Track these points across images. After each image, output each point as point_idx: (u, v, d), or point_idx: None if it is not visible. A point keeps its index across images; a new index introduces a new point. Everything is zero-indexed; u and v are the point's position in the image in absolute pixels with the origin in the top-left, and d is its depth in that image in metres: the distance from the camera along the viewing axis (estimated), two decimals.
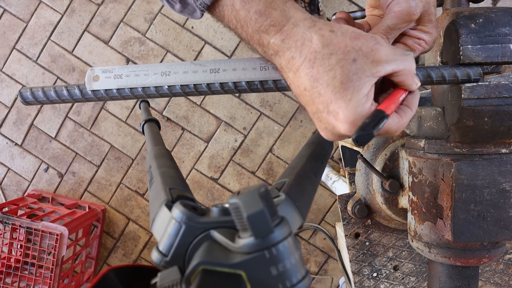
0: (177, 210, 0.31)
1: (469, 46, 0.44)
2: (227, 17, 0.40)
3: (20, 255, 1.52)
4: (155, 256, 0.31)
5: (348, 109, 0.36)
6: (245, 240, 0.27)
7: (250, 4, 0.38)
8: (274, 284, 0.26)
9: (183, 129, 1.72)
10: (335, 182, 1.27)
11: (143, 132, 0.85)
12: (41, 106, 1.77)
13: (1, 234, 1.52)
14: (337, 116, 0.37)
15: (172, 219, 0.31)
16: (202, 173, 1.73)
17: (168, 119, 1.72)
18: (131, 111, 1.73)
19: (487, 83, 0.45)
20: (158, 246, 0.32)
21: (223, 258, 0.27)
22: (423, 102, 0.67)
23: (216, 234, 0.30)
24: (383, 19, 0.44)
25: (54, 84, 1.76)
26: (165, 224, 0.32)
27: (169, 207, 0.34)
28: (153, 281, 0.29)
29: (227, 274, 0.26)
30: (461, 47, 0.45)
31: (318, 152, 0.54)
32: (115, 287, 0.34)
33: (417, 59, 0.65)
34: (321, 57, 0.36)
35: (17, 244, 1.53)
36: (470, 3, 0.63)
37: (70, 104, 1.76)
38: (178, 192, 0.39)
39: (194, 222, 0.31)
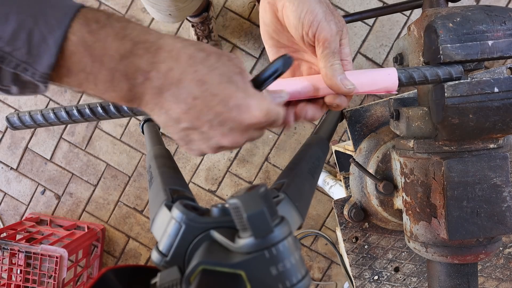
0: (177, 210, 0.32)
1: (448, 45, 0.45)
2: (77, 66, 0.33)
3: (20, 280, 1.50)
4: (155, 256, 0.31)
5: (250, 99, 0.37)
6: (245, 240, 0.27)
7: (106, 33, 0.33)
8: (274, 284, 0.26)
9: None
10: (332, 187, 1.26)
11: (142, 132, 0.85)
12: (35, 129, 1.76)
13: (0, 260, 1.50)
14: (241, 109, 0.36)
15: (172, 219, 0.32)
16: (199, 186, 1.73)
17: (162, 134, 1.72)
18: (125, 129, 1.73)
19: (469, 80, 0.46)
20: (158, 246, 0.32)
21: (223, 258, 0.28)
22: (410, 102, 0.68)
23: (216, 234, 0.30)
24: (322, 51, 0.44)
25: (46, 106, 1.77)
26: (165, 224, 0.32)
27: (169, 207, 0.34)
28: (153, 281, 0.29)
29: (227, 274, 0.27)
30: (440, 47, 0.45)
31: (315, 153, 0.54)
32: (114, 287, 0.34)
33: (402, 61, 0.66)
34: (201, 60, 0.35)
35: (17, 269, 1.51)
36: (449, 2, 0.64)
37: (63, 125, 1.76)
38: (178, 192, 0.39)
39: (194, 222, 0.31)
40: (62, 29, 0.31)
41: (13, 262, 1.51)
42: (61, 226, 1.74)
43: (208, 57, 0.36)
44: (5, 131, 1.79)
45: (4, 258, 1.50)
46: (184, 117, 0.36)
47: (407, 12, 1.59)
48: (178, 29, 1.65)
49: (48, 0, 0.32)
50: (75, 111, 0.46)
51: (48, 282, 1.47)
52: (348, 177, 0.81)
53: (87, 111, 0.46)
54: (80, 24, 0.32)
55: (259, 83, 0.39)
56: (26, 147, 1.78)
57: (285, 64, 0.39)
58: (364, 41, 1.61)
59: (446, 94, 0.46)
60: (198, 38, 1.54)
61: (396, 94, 0.74)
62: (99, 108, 0.46)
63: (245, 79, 0.38)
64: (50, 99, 1.75)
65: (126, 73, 0.34)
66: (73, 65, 0.33)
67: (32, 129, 1.78)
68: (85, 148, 1.75)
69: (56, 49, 0.32)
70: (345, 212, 0.78)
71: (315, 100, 0.46)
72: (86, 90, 0.35)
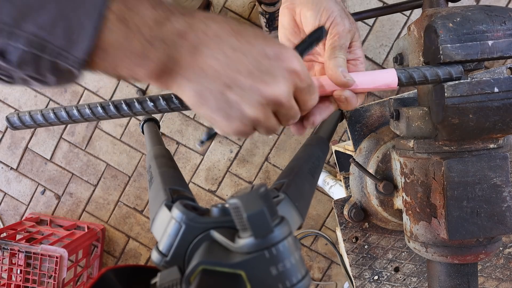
0: (177, 210, 0.32)
1: (448, 45, 0.45)
2: (115, 43, 0.33)
3: (20, 280, 1.50)
4: (155, 256, 0.31)
5: (284, 48, 0.38)
6: (245, 240, 0.27)
7: (141, 2, 0.34)
8: (274, 284, 0.26)
9: (178, 143, 1.72)
10: (332, 187, 1.27)
11: (142, 132, 0.84)
12: (35, 129, 1.77)
13: (0, 260, 1.50)
14: (278, 56, 0.37)
15: (172, 219, 0.32)
16: (199, 186, 1.73)
17: (163, 134, 1.72)
18: (125, 129, 1.73)
19: (469, 80, 0.46)
20: (158, 246, 0.32)
21: (223, 258, 0.28)
22: (410, 102, 0.68)
23: (216, 234, 0.30)
24: (330, 44, 0.46)
25: (46, 106, 1.77)
26: (165, 224, 0.32)
27: (169, 207, 0.34)
28: (153, 281, 0.29)
29: (227, 274, 0.27)
30: (440, 47, 0.45)
31: (315, 153, 0.54)
32: (114, 287, 0.34)
33: (402, 61, 0.66)
34: (235, 23, 0.37)
35: (17, 269, 1.51)
36: (449, 2, 0.64)
37: (63, 125, 1.76)
38: (178, 192, 0.39)
39: (194, 222, 0.31)
40: (99, 12, 0.32)
41: (13, 262, 1.51)
42: (61, 226, 1.74)
43: (240, 23, 0.37)
44: (5, 131, 1.79)
45: (4, 258, 1.50)
46: (223, 71, 0.36)
47: (407, 12, 1.59)
48: None
49: None
50: (75, 111, 0.46)
51: (48, 282, 1.47)
52: (348, 177, 0.81)
53: (87, 111, 0.46)
54: (117, 2, 0.33)
55: (301, 50, 0.43)
56: (26, 147, 1.78)
57: (325, 32, 0.45)
58: (364, 41, 1.61)
59: (446, 94, 0.46)
60: None
61: (396, 94, 0.74)
62: (99, 108, 0.46)
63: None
64: (50, 99, 1.75)
65: (162, 38, 0.34)
66: (110, 44, 0.33)
67: (32, 129, 1.78)
68: (85, 148, 1.75)
69: (94, 31, 0.32)
70: (345, 212, 0.78)
71: (321, 99, 0.46)
72: (121, 70, 0.35)
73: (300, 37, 0.51)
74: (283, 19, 0.50)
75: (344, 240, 0.80)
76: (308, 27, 0.47)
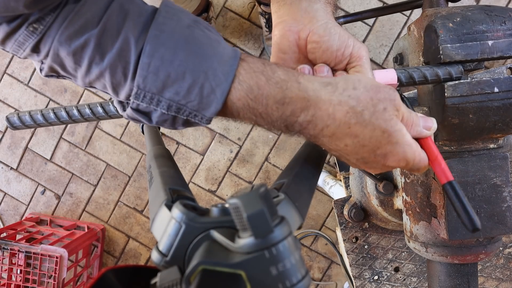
0: (177, 210, 0.32)
1: (449, 45, 0.45)
2: (242, 116, 0.39)
3: (20, 280, 1.50)
4: (155, 256, 0.31)
5: (397, 149, 0.39)
6: (245, 240, 0.27)
7: (266, 99, 0.37)
8: (274, 283, 0.26)
9: (178, 143, 1.72)
10: (332, 187, 1.26)
11: (142, 132, 0.84)
12: (35, 129, 1.77)
13: (0, 260, 1.50)
14: (386, 157, 0.39)
15: (172, 219, 0.32)
16: (199, 186, 1.73)
17: (163, 134, 1.72)
18: (125, 129, 1.73)
19: (469, 80, 0.46)
20: (158, 246, 0.32)
21: (223, 258, 0.28)
22: (410, 102, 0.68)
23: (216, 234, 0.30)
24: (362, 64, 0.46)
25: (46, 106, 1.77)
26: (165, 224, 0.32)
27: (169, 207, 0.34)
28: (152, 281, 0.29)
29: (227, 274, 0.26)
30: (440, 47, 0.45)
31: (315, 153, 0.54)
32: (114, 287, 0.34)
33: (402, 61, 0.66)
34: (355, 116, 0.38)
35: (17, 269, 1.51)
36: (449, 2, 0.64)
37: (63, 125, 1.75)
38: (178, 192, 0.39)
39: (194, 222, 0.31)
40: (229, 82, 0.37)
41: (13, 262, 1.51)
42: (61, 226, 1.74)
43: (363, 113, 0.38)
44: (5, 131, 1.79)
45: (4, 258, 1.50)
46: (334, 152, 0.42)
47: (407, 12, 1.59)
48: None
49: (215, 55, 0.37)
50: (75, 111, 0.46)
51: (48, 282, 1.47)
52: (348, 177, 0.81)
53: (87, 111, 0.46)
54: (243, 75, 0.37)
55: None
56: (26, 147, 1.78)
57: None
58: (364, 41, 1.61)
59: (446, 94, 0.46)
60: None
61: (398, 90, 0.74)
62: (99, 108, 0.46)
63: (398, 126, 0.39)
64: (50, 99, 1.75)
65: (285, 125, 0.39)
66: (234, 110, 0.38)
67: (32, 129, 1.78)
68: (85, 148, 1.75)
69: (223, 98, 0.37)
70: (345, 212, 0.78)
71: None
72: (242, 121, 0.41)
73: (293, 56, 0.46)
74: (281, 41, 0.45)
75: (344, 240, 0.80)
76: (320, 49, 0.44)
